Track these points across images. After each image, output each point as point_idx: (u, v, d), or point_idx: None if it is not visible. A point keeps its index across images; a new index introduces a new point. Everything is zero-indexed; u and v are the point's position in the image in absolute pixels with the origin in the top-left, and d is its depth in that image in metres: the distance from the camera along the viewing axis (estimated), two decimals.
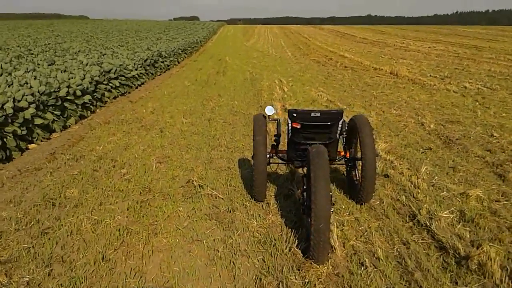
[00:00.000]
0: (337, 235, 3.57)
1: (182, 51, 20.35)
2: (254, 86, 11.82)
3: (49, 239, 3.44)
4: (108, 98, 9.95)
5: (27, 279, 2.87)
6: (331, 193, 3.25)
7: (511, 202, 4.24)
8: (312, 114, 3.52)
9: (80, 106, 8.22)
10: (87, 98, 8.51)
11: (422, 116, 7.83)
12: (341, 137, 4.24)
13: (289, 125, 3.74)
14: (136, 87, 11.97)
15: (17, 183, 4.70)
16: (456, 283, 2.97)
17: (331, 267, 3.12)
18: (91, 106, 8.70)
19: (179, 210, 3.98)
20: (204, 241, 3.42)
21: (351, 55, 20.53)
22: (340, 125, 3.64)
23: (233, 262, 3.18)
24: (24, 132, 6.24)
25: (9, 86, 6.71)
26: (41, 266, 3.03)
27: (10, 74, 8.54)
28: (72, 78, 8.35)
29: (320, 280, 2.99)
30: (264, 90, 11.11)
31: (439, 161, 5.45)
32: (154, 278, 2.97)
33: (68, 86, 7.96)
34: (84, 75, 9.00)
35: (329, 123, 3.55)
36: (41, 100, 6.93)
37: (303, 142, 3.71)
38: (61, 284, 2.83)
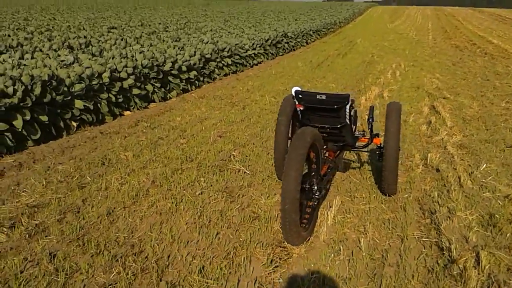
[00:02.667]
0: (334, 222, 3.51)
1: (314, 32, 20.38)
2: (367, 70, 11.52)
3: (80, 191, 3.96)
4: (218, 75, 10.54)
5: (38, 221, 3.40)
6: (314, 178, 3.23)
7: None
8: (318, 97, 3.47)
9: (184, 81, 8.89)
10: (192, 73, 9.17)
11: None
12: (369, 123, 4.10)
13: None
14: (252, 66, 12.43)
15: (91, 143, 5.39)
16: (426, 285, 2.77)
17: (303, 250, 3.11)
18: (196, 81, 9.34)
19: (200, 180, 4.24)
20: (201, 211, 3.64)
21: (500, 41, 18.58)
22: (347, 110, 3.53)
23: (218, 232, 3.35)
24: (120, 100, 7.04)
25: (112, 58, 7.56)
26: (57, 213, 3.53)
27: (129, 46, 9.56)
28: (179, 54, 9.04)
29: (285, 260, 3.02)
30: (374, 74, 10.79)
31: None
32: (141, 236, 3.28)
33: (174, 62, 8.66)
34: (195, 52, 9.67)
35: (335, 107, 3.46)
36: (143, 72, 7.68)
37: (312, 125, 3.67)
38: (62, 229, 3.30)
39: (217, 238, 3.25)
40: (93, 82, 6.52)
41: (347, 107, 3.49)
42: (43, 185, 4.07)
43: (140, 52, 8.32)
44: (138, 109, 7.44)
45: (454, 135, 5.75)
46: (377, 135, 4.10)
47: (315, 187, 3.27)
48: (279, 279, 2.80)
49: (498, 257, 3.01)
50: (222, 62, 10.88)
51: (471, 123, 6.40)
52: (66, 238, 3.18)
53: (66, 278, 2.74)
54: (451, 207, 3.70)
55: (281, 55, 15.00)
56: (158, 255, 3.01)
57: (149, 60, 7.90)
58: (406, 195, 4.02)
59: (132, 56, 7.99)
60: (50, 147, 5.23)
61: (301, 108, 3.56)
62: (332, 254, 3.07)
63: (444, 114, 6.75)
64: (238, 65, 11.61)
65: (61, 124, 5.85)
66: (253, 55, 12.63)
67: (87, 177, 4.28)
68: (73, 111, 6.11)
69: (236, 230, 3.38)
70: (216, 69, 10.43)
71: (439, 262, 3.01)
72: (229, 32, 14.96)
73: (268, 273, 2.84)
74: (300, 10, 34.58)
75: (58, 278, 2.72)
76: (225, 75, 10.89)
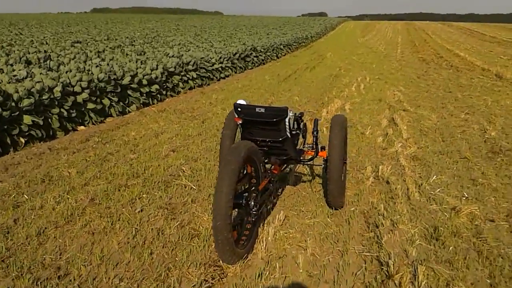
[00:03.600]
0: (275, 238, 3.40)
1: (284, 47, 20.48)
2: (332, 83, 11.57)
3: (14, 211, 3.77)
4: (183, 88, 10.42)
5: None
6: (246, 193, 3.12)
7: (510, 223, 3.65)
8: (257, 110, 3.38)
9: (145, 94, 8.74)
10: (154, 87, 9.03)
11: (490, 123, 7.00)
12: (314, 136, 4.03)
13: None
14: (218, 79, 12.35)
15: (36, 160, 5.19)
16: None
17: (239, 268, 2.98)
18: (158, 95, 9.19)
19: (143, 197, 4.09)
20: (137, 230, 3.49)
21: (467, 54, 18.97)
22: (287, 123, 3.44)
23: (152, 252, 3.20)
24: (73, 115, 6.84)
25: (66, 72, 7.37)
26: None
27: (89, 60, 9.36)
28: (140, 68, 8.89)
29: (218, 279, 2.88)
30: (338, 87, 10.83)
31: (464, 172, 4.86)
32: (69, 257, 3.11)
33: (134, 75, 8.51)
34: (157, 65, 9.53)
35: (274, 120, 3.37)
36: (99, 86, 7.50)
37: (253, 139, 3.57)
38: None
39: (151, 259, 3.10)
40: (44, 97, 6.33)
41: (287, 120, 3.40)
42: None
43: (97, 66, 8.14)
44: (93, 123, 7.25)
45: (408, 147, 5.73)
46: (323, 148, 4.02)
47: (252, 203, 3.16)
48: None
49: (437, 272, 2.94)
50: (187, 75, 10.77)
51: (428, 135, 6.41)
52: None
53: None
54: (395, 220, 3.63)
55: (250, 69, 14.99)
56: (83, 278, 2.84)
57: (106, 73, 7.73)
58: (352, 208, 3.94)
59: (88, 70, 7.81)
60: None
61: (240, 122, 3.46)
62: (268, 272, 2.94)
63: (401, 126, 6.74)
64: (204, 78, 11.52)
65: (8, 140, 5.63)
66: (220, 68, 12.56)
67: (25, 195, 4.09)
68: (21, 126, 5.90)
69: (172, 249, 3.24)
70: (180, 83, 10.31)
71: (377, 277, 2.91)
72: (197, 46, 14.90)
73: None
74: (272, 25, 34.82)
75: None
76: (190, 88, 10.77)
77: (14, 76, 7.00)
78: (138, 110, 8.27)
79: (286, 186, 4.47)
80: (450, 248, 3.26)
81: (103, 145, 5.85)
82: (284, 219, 3.70)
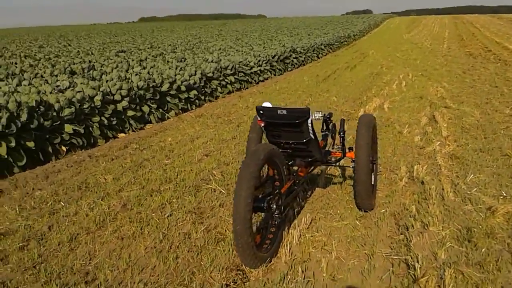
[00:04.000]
0: (300, 241, 3.37)
1: (325, 46, 20.31)
2: (373, 82, 11.36)
3: (50, 217, 3.93)
4: (221, 93, 10.53)
5: None
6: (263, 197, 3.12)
7: None
8: (279, 112, 3.37)
9: (183, 100, 8.89)
10: (192, 93, 9.17)
11: None
12: (340, 137, 3.98)
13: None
14: (257, 83, 12.40)
15: (75, 167, 5.39)
16: None
17: (262, 273, 2.98)
18: (196, 101, 9.33)
19: (173, 202, 4.16)
20: (165, 234, 3.55)
21: None
22: (310, 124, 3.40)
23: (177, 256, 3.25)
24: (114, 122, 7.06)
25: (107, 82, 7.61)
26: (20, 241, 3.50)
27: (131, 69, 9.62)
28: (178, 74, 9.06)
29: (240, 283, 2.89)
30: (379, 85, 10.63)
31: (504, 170, 4.65)
32: (98, 262, 3.20)
33: (173, 82, 8.68)
34: (195, 71, 9.68)
35: (297, 121, 3.35)
36: (138, 94, 7.70)
37: (277, 141, 3.56)
38: (21, 257, 3.25)
39: (176, 263, 3.15)
40: (84, 106, 6.56)
41: (309, 121, 3.37)
42: (16, 212, 4.05)
43: (136, 74, 8.36)
44: (133, 130, 7.44)
45: (447, 145, 5.54)
46: (351, 148, 3.95)
47: (274, 206, 3.14)
48: None
49: (467, 275, 2.82)
50: (225, 80, 10.87)
51: (469, 132, 6.17)
52: (22, 266, 3.13)
53: None
54: (426, 222, 3.52)
55: (290, 71, 14.95)
56: (108, 283, 2.92)
57: (145, 81, 7.92)
58: (383, 210, 3.85)
59: (128, 79, 8.03)
60: (34, 173, 5.24)
61: (262, 124, 3.46)
62: (290, 276, 2.92)
63: (441, 124, 6.53)
64: (242, 82, 11.60)
65: (50, 149, 5.88)
66: (258, 71, 12.61)
67: (61, 202, 4.25)
68: (63, 135, 6.14)
69: (198, 254, 3.27)
70: (218, 88, 10.42)
71: (403, 281, 2.83)
72: (237, 50, 15.02)
73: None
74: (314, 25, 34.58)
75: None
76: (229, 92, 10.87)
77: (57, 86, 7.30)
78: (177, 116, 8.42)
79: (316, 188, 4.42)
80: (483, 250, 3.12)
81: (140, 152, 6.00)
82: (310, 222, 3.66)
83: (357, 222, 3.68)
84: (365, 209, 3.83)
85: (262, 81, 12.71)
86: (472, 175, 4.47)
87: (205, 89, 9.85)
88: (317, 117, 4.12)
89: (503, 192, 4.09)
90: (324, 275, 2.95)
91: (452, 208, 3.79)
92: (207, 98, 9.87)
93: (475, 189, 4.16)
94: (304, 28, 30.67)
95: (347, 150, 3.98)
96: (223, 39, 21.29)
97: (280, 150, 3.59)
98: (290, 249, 3.27)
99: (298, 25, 36.33)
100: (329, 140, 4.24)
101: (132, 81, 7.92)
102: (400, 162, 5.06)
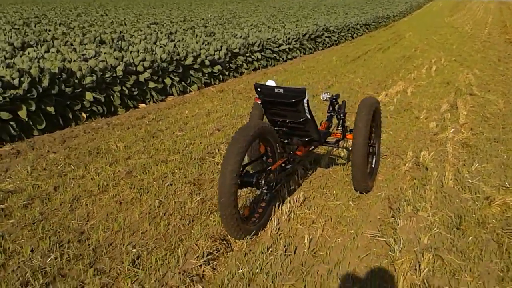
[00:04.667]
0: (290, 217, 3.44)
1: (361, 26, 19.92)
2: (402, 65, 11.16)
3: (58, 179, 4.13)
4: (247, 69, 10.56)
5: (4, 206, 3.58)
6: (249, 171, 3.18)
7: None
8: (276, 90, 3.41)
9: (207, 75, 8.98)
10: (216, 68, 9.24)
11: None
12: (340, 118, 3.99)
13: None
14: (285, 61, 12.34)
15: (92, 134, 5.58)
16: (355, 283, 2.66)
17: (246, 244, 3.07)
18: (220, 76, 9.41)
19: (175, 172, 4.29)
20: (162, 202, 3.69)
21: None
22: (306, 104, 3.43)
23: (169, 223, 3.38)
24: (135, 93, 7.23)
25: (131, 53, 7.76)
26: (26, 199, 3.71)
27: (159, 41, 9.75)
28: (203, 49, 9.13)
29: (223, 252, 3.00)
30: (408, 69, 10.45)
31: None
32: (94, 223, 3.37)
33: (197, 56, 8.77)
34: (221, 46, 9.73)
35: (293, 101, 3.38)
36: (161, 66, 7.83)
37: (275, 119, 3.62)
38: (24, 214, 3.45)
39: (167, 229, 3.28)
40: (106, 75, 6.73)
41: (305, 101, 3.40)
42: (27, 172, 4.26)
43: (161, 47, 8.48)
44: (154, 102, 7.60)
45: (461, 133, 5.46)
46: (351, 130, 3.96)
47: (263, 182, 3.22)
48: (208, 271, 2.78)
49: (446, 261, 2.84)
50: (252, 56, 10.88)
51: (489, 121, 6.05)
52: (23, 222, 3.32)
53: (5, 259, 2.86)
54: (418, 207, 3.52)
55: (321, 49, 14.79)
56: (100, 243, 3.08)
57: (168, 54, 8.03)
58: (379, 193, 3.88)
59: (153, 50, 8.16)
60: (52, 136, 5.46)
61: (259, 102, 3.52)
62: (272, 249, 3.01)
63: (461, 111, 6.41)
64: (269, 59, 11.57)
65: (70, 114, 6.09)
66: (287, 49, 12.53)
67: (71, 165, 4.45)
68: (84, 102, 6.34)
69: (189, 222, 3.39)
70: (244, 64, 10.45)
71: (381, 262, 2.88)
72: (268, 27, 14.91)
73: (199, 266, 2.83)
74: (354, 4, 33.83)
75: None
76: (255, 69, 10.87)
77: (83, 55, 7.50)
78: (199, 89, 8.51)
79: (318, 168, 4.46)
80: (470, 238, 3.12)
81: (156, 122, 6.15)
82: (304, 200, 3.72)
83: (351, 203, 3.71)
84: (361, 191, 3.85)
85: (291, 59, 12.64)
86: (477, 164, 4.41)
87: (230, 64, 9.89)
88: (325, 97, 4.14)
89: (506, 183, 4.04)
90: (305, 250, 3.02)
91: (449, 195, 3.78)
92: (231, 74, 9.92)
93: (477, 178, 4.11)
94: (342, 7, 30.06)
95: (347, 132, 4.00)
96: (257, 15, 21.16)
97: (278, 128, 3.66)
98: (278, 224, 3.35)
99: (337, 3, 35.62)
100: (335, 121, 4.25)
101: (156, 53, 8.04)
102: (409, 147, 5.02)
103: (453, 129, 5.53)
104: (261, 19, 18.13)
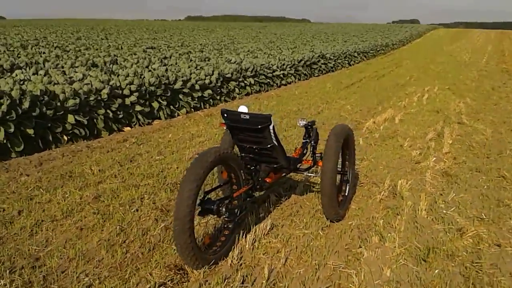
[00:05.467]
0: (254, 246, 3.34)
1: (359, 54, 20.05)
2: (395, 92, 11.19)
3: (24, 202, 4.04)
4: (239, 94, 10.56)
5: None
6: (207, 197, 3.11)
7: None
8: (242, 116, 3.36)
9: (196, 99, 8.97)
10: (207, 92, 9.24)
11: None
12: (311, 145, 3.93)
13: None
14: (279, 86, 12.37)
15: (69, 157, 5.51)
16: None
17: (203, 274, 2.96)
18: (210, 100, 9.39)
19: (144, 197, 4.20)
20: (124, 228, 3.59)
21: None
22: (272, 131, 3.37)
23: (127, 251, 3.28)
24: (120, 116, 7.20)
25: (118, 76, 7.76)
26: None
27: (152, 65, 9.76)
28: (193, 73, 9.14)
29: (178, 283, 2.89)
30: (399, 97, 10.46)
31: (493, 192, 4.48)
32: (52, 250, 3.27)
33: (187, 81, 8.77)
34: (213, 71, 9.75)
35: (258, 127, 3.32)
36: (149, 90, 7.82)
37: (241, 145, 3.56)
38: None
39: (124, 258, 3.17)
40: (90, 98, 6.71)
41: (271, 127, 3.34)
42: None
43: (149, 71, 8.49)
44: (140, 125, 7.56)
45: (443, 161, 5.37)
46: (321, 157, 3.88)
47: (223, 209, 3.12)
48: None
49: None
50: (245, 81, 10.90)
51: (473, 150, 5.96)
52: None
53: None
54: (387, 237, 3.41)
55: (316, 76, 14.85)
56: (52, 270, 2.97)
57: (157, 78, 8.03)
58: (350, 222, 3.77)
59: (141, 74, 8.16)
60: (29, 159, 5.40)
61: (225, 127, 3.46)
62: (227, 281, 2.90)
63: (446, 140, 6.33)
64: (263, 85, 11.59)
65: (50, 137, 6.04)
66: (281, 75, 12.58)
67: (41, 189, 4.36)
68: (65, 125, 6.30)
69: (149, 250, 3.29)
70: (236, 88, 10.45)
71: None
72: (264, 53, 15.02)
73: None
74: (354, 32, 34.20)
75: None
76: (247, 94, 10.89)
77: (70, 77, 7.50)
78: (187, 114, 8.48)
79: (292, 195, 4.37)
80: (436, 271, 3.00)
81: (138, 146, 6.09)
82: (272, 228, 3.62)
83: (320, 232, 3.61)
84: (331, 220, 3.75)
85: (285, 84, 12.67)
86: (454, 194, 4.31)
87: (222, 89, 9.90)
88: (301, 124, 4.08)
89: (482, 214, 3.93)
90: (263, 282, 2.91)
91: (420, 226, 3.67)
92: (223, 98, 9.92)
93: (453, 208, 4.01)
94: (342, 35, 30.38)
95: (319, 159, 3.92)
96: (256, 42, 21.35)
97: (245, 154, 3.59)
98: (241, 253, 3.24)
99: (338, 31, 36.01)
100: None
101: (144, 76, 8.04)
102: (388, 175, 4.93)
103: (434, 158, 5.44)
104: (259, 45, 18.28)
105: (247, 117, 3.32)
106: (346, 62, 18.22)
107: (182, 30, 35.18)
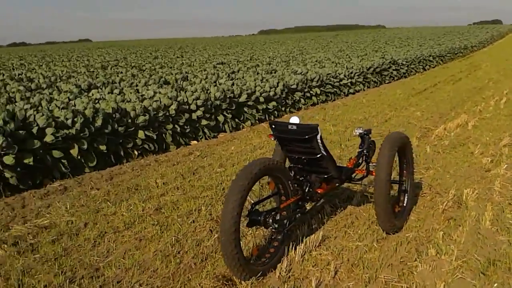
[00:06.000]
0: (303, 258, 3.32)
1: (434, 58, 19.33)
2: (471, 97, 10.67)
3: (91, 215, 4.31)
4: (304, 104, 10.57)
5: (33, 241, 3.78)
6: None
7: None
8: (289, 127, 3.38)
9: (261, 111, 9.09)
10: (271, 104, 9.35)
11: None
12: (363, 154, 3.86)
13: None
14: (347, 95, 12.24)
15: (138, 171, 5.79)
16: None
17: (251, 286, 3.00)
18: (275, 111, 9.48)
19: (201, 209, 4.32)
20: (179, 239, 3.72)
21: None
22: (319, 140, 3.35)
23: (181, 261, 3.39)
24: (187, 130, 7.47)
25: (185, 92, 8.05)
26: (55, 234, 3.89)
27: (220, 79, 10.04)
28: (258, 86, 9.28)
29: None
30: (475, 101, 9.98)
31: None
32: (111, 260, 3.46)
33: (251, 93, 8.93)
34: (277, 83, 9.85)
35: (306, 137, 3.32)
36: (215, 104, 8.05)
37: (292, 156, 3.58)
38: (52, 250, 3.63)
39: (177, 268, 3.28)
40: (159, 114, 7.03)
41: (318, 137, 3.32)
42: (66, 208, 4.49)
43: (215, 85, 8.73)
44: (206, 138, 7.78)
45: None
46: None
47: (270, 220, 3.14)
48: None
49: None
50: (310, 92, 10.88)
51: None
52: (45, 258, 3.47)
53: None
54: (445, 249, 3.25)
55: (387, 83, 14.51)
56: (109, 280, 3.14)
57: (222, 92, 8.25)
58: (408, 234, 3.63)
59: (207, 89, 8.41)
60: (101, 173, 5.73)
61: (273, 139, 3.50)
62: None
63: None
64: (329, 94, 11.52)
65: (122, 152, 6.38)
66: (349, 83, 12.43)
67: (108, 202, 4.62)
68: (136, 140, 6.63)
69: (202, 261, 3.37)
70: (302, 99, 10.46)
71: None
72: (332, 62, 14.91)
73: None
74: (430, 36, 32.96)
75: None
76: (313, 104, 10.86)
77: (142, 95, 7.90)
78: (252, 126, 8.60)
79: (348, 206, 4.29)
80: (495, 285, 2.81)
81: (201, 159, 6.27)
82: (324, 240, 3.57)
83: (374, 244, 3.51)
84: (387, 232, 3.64)
85: (353, 93, 12.50)
86: None
87: (287, 100, 9.95)
88: (357, 133, 4.04)
89: None
90: None
91: (483, 237, 3.46)
92: (288, 109, 9.96)
93: None
94: (418, 39, 29.42)
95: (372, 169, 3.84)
96: (325, 51, 21.23)
97: (294, 165, 3.60)
98: (290, 264, 3.24)
99: (413, 35, 34.88)
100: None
101: (210, 91, 8.28)
102: (454, 184, 4.70)
103: (506, 165, 5.11)
104: (328, 54, 18.17)
105: (294, 127, 3.33)
106: (420, 67, 17.63)
107: (253, 45, 35.81)
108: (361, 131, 4.02)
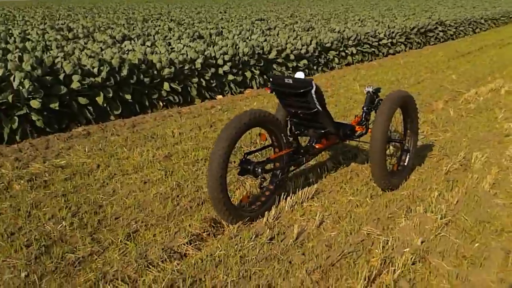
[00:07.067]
0: (293, 209, 3.43)
1: (486, 21, 18.38)
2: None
3: (104, 158, 4.54)
4: (338, 63, 10.41)
5: (48, 178, 4.06)
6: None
7: None
8: (286, 81, 3.41)
9: (291, 69, 9.06)
10: (302, 62, 9.28)
11: None
12: (364, 112, 3.86)
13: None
14: (386, 55, 11.93)
15: (159, 121, 5.98)
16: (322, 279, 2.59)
17: (237, 229, 3.14)
18: (306, 70, 9.41)
19: (208, 156, 4.47)
20: (181, 183, 3.89)
21: None
22: (314, 95, 3.36)
23: (178, 203, 3.57)
24: (213, 85, 7.58)
25: (213, 47, 8.11)
26: (69, 173, 4.15)
27: (253, 35, 10.02)
28: (289, 43, 9.21)
29: (211, 235, 3.10)
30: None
31: None
32: (116, 199, 3.68)
33: (281, 50, 8.90)
34: (311, 41, 9.73)
35: (300, 91, 3.35)
36: (242, 59, 8.09)
37: (288, 110, 3.62)
38: (62, 187, 3.89)
39: (173, 209, 3.46)
40: (185, 67, 7.16)
41: (313, 92, 3.34)
42: (85, 150, 4.76)
43: (244, 41, 8.73)
44: (232, 93, 7.87)
45: None
46: None
47: (259, 170, 3.24)
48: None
49: (433, 267, 2.63)
50: (346, 51, 10.68)
51: None
52: (54, 193, 3.73)
53: (25, 223, 3.27)
54: (434, 209, 3.27)
55: (432, 44, 14.00)
56: (107, 216, 3.36)
57: (251, 48, 8.25)
58: (403, 192, 3.66)
59: (236, 45, 8.43)
60: (124, 122, 5.97)
61: (269, 92, 3.54)
62: (262, 237, 3.03)
63: None
64: (366, 54, 11.27)
65: (146, 102, 6.59)
66: (389, 44, 12.08)
67: (124, 148, 4.85)
68: (161, 92, 6.82)
69: (198, 204, 3.54)
70: (336, 58, 10.30)
71: (366, 258, 2.76)
72: (375, 21, 14.47)
73: (184, 244, 2.97)
74: None
75: (18, 221, 3.27)
76: (348, 64, 10.67)
77: (172, 48, 8.03)
78: None
79: (351, 163, 4.32)
80: (476, 245, 2.83)
81: (222, 113, 6.39)
82: (317, 193, 3.65)
83: (367, 200, 3.57)
84: (382, 188, 3.68)
85: (393, 54, 12.17)
86: None
87: (319, 59, 9.83)
88: (366, 90, 4.04)
89: None
90: (290, 240, 2.99)
91: (478, 199, 3.44)
92: (320, 68, 9.85)
93: None
94: (473, 0, 27.89)
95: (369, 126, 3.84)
96: (372, 10, 20.54)
97: (291, 118, 3.65)
98: (279, 213, 3.35)
99: None
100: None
101: (239, 47, 8.31)
102: (467, 148, 4.62)
103: None
104: (373, 13, 17.59)
105: (290, 81, 3.36)
106: (470, 29, 16.84)
107: (301, 1, 35.01)
108: (371, 89, 4.01)
